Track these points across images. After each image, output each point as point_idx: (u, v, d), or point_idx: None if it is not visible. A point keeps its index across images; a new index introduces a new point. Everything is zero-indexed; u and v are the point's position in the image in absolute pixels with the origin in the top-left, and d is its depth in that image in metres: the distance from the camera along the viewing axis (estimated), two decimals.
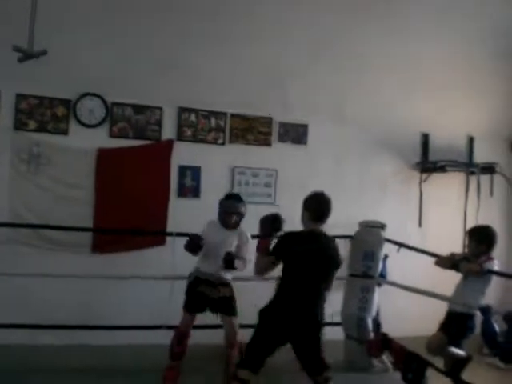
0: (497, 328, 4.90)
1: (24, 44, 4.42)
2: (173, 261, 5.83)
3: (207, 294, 5.01)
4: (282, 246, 4.17)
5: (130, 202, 6.15)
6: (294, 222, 6.20)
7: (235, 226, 5.14)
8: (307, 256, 4.09)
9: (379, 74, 6.71)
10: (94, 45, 5.88)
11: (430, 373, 5.10)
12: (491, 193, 7.29)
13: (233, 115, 6.65)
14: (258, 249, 4.27)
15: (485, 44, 6.77)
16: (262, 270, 4.21)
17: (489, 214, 6.63)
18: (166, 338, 5.08)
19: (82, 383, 5.07)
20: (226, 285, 5.10)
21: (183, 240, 5.23)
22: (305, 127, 6.90)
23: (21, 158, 6.00)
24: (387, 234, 6.06)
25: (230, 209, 5.11)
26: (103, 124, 6.23)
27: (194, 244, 4.90)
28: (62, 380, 5.05)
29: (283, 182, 6.78)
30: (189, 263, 5.19)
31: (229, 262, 4.81)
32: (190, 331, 5.07)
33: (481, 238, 5.03)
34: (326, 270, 4.21)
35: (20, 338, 5.56)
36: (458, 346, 4.99)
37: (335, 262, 4.28)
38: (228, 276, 5.08)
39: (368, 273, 5.94)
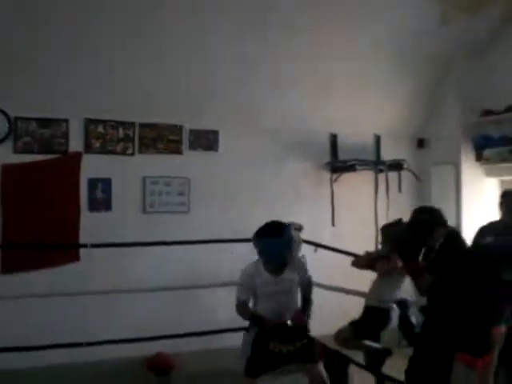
0: (414, 321, 5.39)
1: None
2: (88, 276, 6.06)
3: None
4: None
5: (38, 218, 6.20)
6: (205, 229, 6.57)
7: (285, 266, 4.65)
8: None
9: (286, 77, 7.02)
10: None
11: (352, 369, 5.47)
12: (400, 189, 7.81)
13: (141, 124, 6.79)
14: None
15: (390, 43, 7.18)
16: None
17: (399, 210, 7.05)
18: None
19: None
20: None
21: (99, 252, 5.44)
22: (215, 134, 7.15)
23: None
24: (302, 235, 6.33)
25: (293, 239, 4.70)
26: (6, 140, 6.25)
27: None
28: None
29: (196, 190, 6.98)
30: (104, 278, 5.40)
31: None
32: None
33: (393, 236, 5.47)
34: None
35: None
36: (375, 339, 5.42)
37: None
38: None
39: None
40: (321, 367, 4.65)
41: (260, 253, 4.58)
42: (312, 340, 4.67)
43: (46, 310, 6.00)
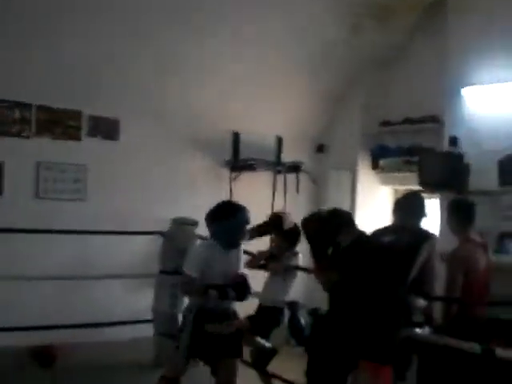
0: (303, 322, 5.59)
1: None
2: None
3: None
4: None
5: None
6: (102, 219, 6.54)
7: None
8: None
9: (192, 73, 7.07)
10: None
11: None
12: (297, 190, 8.01)
13: (39, 107, 6.62)
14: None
15: (299, 48, 7.34)
16: None
17: (295, 211, 7.24)
18: None
19: None
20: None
21: None
22: (116, 123, 7.07)
23: None
24: (199, 230, 6.38)
25: (249, 219, 4.67)
26: None
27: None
28: None
29: (94, 178, 6.89)
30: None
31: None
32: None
33: (285, 235, 5.66)
34: None
35: None
36: (266, 337, 5.59)
37: None
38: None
39: (179, 269, 6.30)
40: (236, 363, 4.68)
41: (214, 234, 4.60)
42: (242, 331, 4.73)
43: None
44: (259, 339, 5.44)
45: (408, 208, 4.35)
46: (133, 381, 5.81)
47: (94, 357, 6.26)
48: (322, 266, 4.31)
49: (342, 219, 4.30)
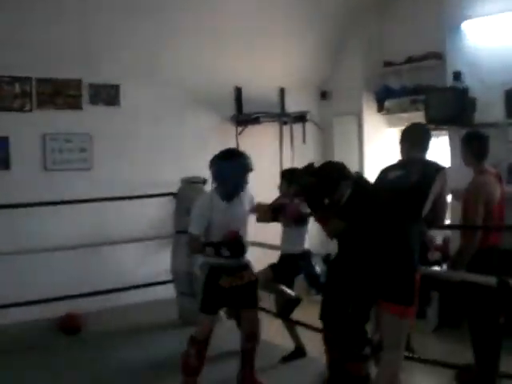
0: (318, 269, 5.65)
1: None
2: None
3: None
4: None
5: None
6: (111, 186, 6.57)
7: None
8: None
9: (188, 30, 7.01)
10: None
11: (263, 316, 5.47)
12: (304, 140, 8.03)
13: (38, 79, 6.60)
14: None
15: None
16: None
17: (303, 161, 7.19)
18: None
19: None
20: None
21: None
22: (116, 88, 7.05)
23: None
24: (207, 188, 6.51)
25: (249, 165, 4.50)
26: None
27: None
28: None
29: (99, 146, 6.91)
30: (6, 239, 5.36)
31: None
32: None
33: (292, 180, 5.63)
34: None
35: None
36: (290, 286, 5.65)
37: None
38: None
39: None
40: (257, 314, 4.72)
41: (217, 175, 4.47)
42: (256, 281, 4.68)
43: None
44: (283, 287, 5.51)
45: (414, 139, 4.24)
46: (159, 341, 5.92)
47: (118, 321, 6.39)
48: (323, 216, 4.31)
49: (337, 172, 4.30)
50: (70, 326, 6.32)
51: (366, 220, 3.96)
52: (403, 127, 4.49)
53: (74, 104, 6.86)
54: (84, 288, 6.23)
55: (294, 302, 5.57)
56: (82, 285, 6.27)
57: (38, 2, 6.09)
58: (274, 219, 5.21)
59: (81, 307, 6.32)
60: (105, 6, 6.43)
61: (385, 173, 4.14)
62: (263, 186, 7.19)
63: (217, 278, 4.42)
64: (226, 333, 5.54)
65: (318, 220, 4.41)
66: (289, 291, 5.54)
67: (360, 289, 3.97)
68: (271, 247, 5.88)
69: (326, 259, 5.11)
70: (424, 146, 4.23)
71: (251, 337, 4.63)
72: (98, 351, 5.66)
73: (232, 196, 4.48)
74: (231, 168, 4.40)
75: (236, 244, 4.34)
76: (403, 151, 4.30)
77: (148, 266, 6.96)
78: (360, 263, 3.91)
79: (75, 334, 6.26)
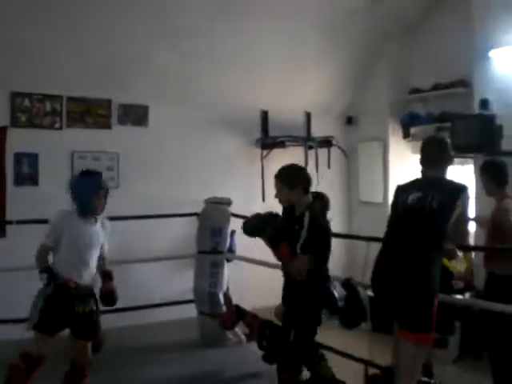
0: (336, 294, 5.58)
1: None
2: (15, 252, 6.00)
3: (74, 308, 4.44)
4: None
5: None
6: (137, 205, 6.60)
7: (102, 210, 4.56)
8: None
9: (215, 54, 7.07)
10: None
11: None
12: (329, 165, 8.02)
13: (69, 98, 6.76)
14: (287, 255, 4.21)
15: (322, 20, 7.30)
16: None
17: (328, 185, 7.21)
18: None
19: None
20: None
21: (25, 228, 5.41)
22: (145, 109, 7.18)
23: None
24: (233, 209, 6.49)
25: (103, 186, 4.51)
26: None
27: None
28: None
29: (126, 165, 7.02)
30: (31, 254, 5.37)
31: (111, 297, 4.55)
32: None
33: None
34: None
35: None
36: None
37: None
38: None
39: (217, 248, 6.39)
40: (88, 346, 4.66)
41: (71, 191, 4.47)
42: (97, 313, 4.66)
43: None
44: None
45: (430, 156, 4.10)
46: (180, 360, 5.89)
47: (140, 339, 6.38)
48: (286, 252, 4.24)
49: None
50: (92, 342, 6.31)
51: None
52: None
53: (103, 123, 6.98)
54: None
55: None
56: None
57: (71, 24, 6.20)
58: None
59: (102, 324, 6.31)
60: (136, 30, 6.53)
61: (403, 193, 4.04)
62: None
63: (70, 301, 4.38)
64: (245, 356, 5.51)
65: (282, 256, 4.32)
66: None
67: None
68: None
69: (346, 283, 5.05)
70: (440, 162, 4.07)
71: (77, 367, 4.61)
72: (118, 369, 5.65)
73: (84, 213, 4.43)
74: (81, 185, 4.42)
75: (109, 297, 4.58)
76: (423, 167, 4.20)
77: (171, 285, 6.98)
78: (376, 287, 3.88)
79: (97, 351, 6.24)
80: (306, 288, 4.21)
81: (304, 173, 4.53)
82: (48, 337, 4.35)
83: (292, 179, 4.40)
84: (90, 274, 4.51)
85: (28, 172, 6.57)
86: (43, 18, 6.06)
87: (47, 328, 4.33)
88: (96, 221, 4.53)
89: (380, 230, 4.24)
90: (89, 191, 4.39)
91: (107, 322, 6.20)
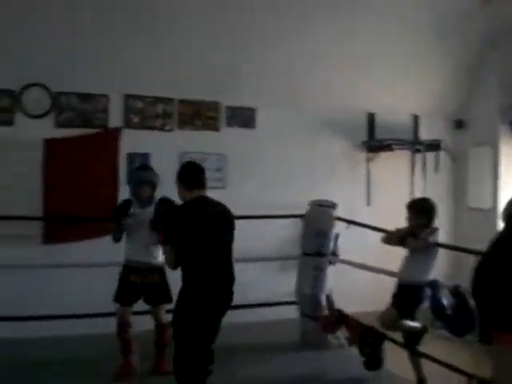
0: (445, 302, 5.40)
1: None
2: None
3: (138, 282, 5.15)
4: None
5: (79, 191, 6.38)
6: (242, 205, 6.67)
7: (150, 200, 5.19)
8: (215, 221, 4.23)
9: (324, 56, 7.07)
10: (37, 34, 6.05)
11: (387, 345, 5.46)
12: (437, 170, 7.79)
13: (180, 101, 6.95)
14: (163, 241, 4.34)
15: (431, 23, 7.16)
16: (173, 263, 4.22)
17: (435, 191, 7.02)
18: None
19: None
20: (155, 271, 5.18)
21: None
22: (252, 111, 7.25)
23: None
24: (337, 212, 6.45)
25: (142, 177, 5.21)
26: (49, 114, 6.47)
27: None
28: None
29: (233, 166, 7.12)
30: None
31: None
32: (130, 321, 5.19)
33: (420, 211, 5.46)
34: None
35: None
36: (411, 318, 5.45)
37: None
38: (157, 261, 5.14)
39: (320, 251, 6.36)
40: (164, 311, 5.22)
41: (130, 182, 5.37)
42: (165, 283, 5.21)
43: (83, 279, 6.25)
44: (409, 323, 5.30)
45: None
46: (279, 361, 5.90)
47: (239, 338, 6.40)
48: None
49: None
50: None
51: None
52: None
53: (212, 125, 7.13)
54: None
55: (420, 333, 5.37)
56: None
57: (180, 29, 6.39)
58: (400, 243, 5.10)
59: None
60: (246, 34, 6.63)
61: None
62: (391, 213, 7.12)
63: (129, 273, 5.17)
64: (346, 360, 5.45)
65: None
66: (414, 324, 5.34)
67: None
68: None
69: (455, 291, 4.89)
70: None
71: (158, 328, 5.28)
72: (218, 366, 5.71)
73: (136, 202, 5.16)
74: (131, 178, 5.36)
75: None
76: None
77: (273, 286, 7.00)
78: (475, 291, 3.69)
79: None
80: None
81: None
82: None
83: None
84: (150, 253, 5.12)
85: None
86: (147, 24, 6.30)
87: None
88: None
89: (488, 237, 4.07)
90: (134, 184, 5.23)
91: None
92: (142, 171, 5.37)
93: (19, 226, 6.14)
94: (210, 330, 4.22)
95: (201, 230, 4.10)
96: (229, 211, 4.40)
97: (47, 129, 6.45)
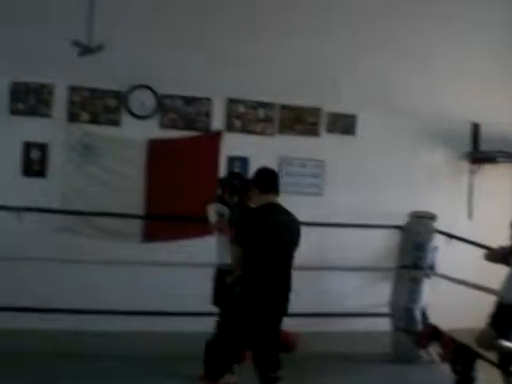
0: None
1: (81, 38, 4.86)
2: None
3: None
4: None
5: (180, 191, 6.56)
6: (339, 213, 6.63)
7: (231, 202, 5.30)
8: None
9: (428, 65, 6.97)
10: (144, 37, 6.28)
11: (480, 364, 5.27)
12: None
13: (282, 106, 6.97)
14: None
15: None
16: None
17: None
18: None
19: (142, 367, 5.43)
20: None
21: None
22: (354, 118, 7.18)
23: (74, 148, 6.45)
24: (437, 225, 6.30)
25: (224, 183, 5.45)
26: (154, 115, 6.66)
27: None
28: (131, 364, 5.48)
29: (331, 173, 7.08)
30: None
31: None
32: None
33: None
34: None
35: (66, 324, 6.03)
36: (507, 338, 5.26)
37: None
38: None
39: (418, 264, 6.21)
40: None
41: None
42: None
43: (179, 278, 6.30)
44: (502, 341, 5.12)
45: None
46: (368, 373, 5.83)
47: (330, 346, 6.39)
48: None
49: None
50: (285, 343, 6.42)
51: None
52: None
53: (312, 131, 7.11)
54: (298, 308, 6.31)
55: None
56: (297, 305, 6.34)
57: (284, 37, 6.46)
58: (502, 261, 5.01)
59: (295, 327, 6.42)
60: (349, 43, 6.59)
61: None
62: (494, 228, 6.89)
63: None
64: (437, 377, 5.30)
65: None
66: (507, 344, 5.13)
67: None
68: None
69: None
70: None
71: None
72: (307, 373, 5.71)
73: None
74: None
75: None
76: None
77: (365, 296, 6.93)
78: None
79: (288, 353, 6.35)
80: None
81: None
82: None
83: None
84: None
85: None
86: (260, 35, 6.44)
87: None
88: None
89: None
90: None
91: (300, 324, 6.34)
92: (227, 176, 5.62)
93: (121, 224, 6.35)
94: (260, 333, 4.29)
95: (264, 237, 4.21)
96: (296, 221, 4.45)
97: (151, 130, 6.65)
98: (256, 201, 4.43)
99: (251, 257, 4.23)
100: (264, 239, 4.20)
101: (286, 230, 4.32)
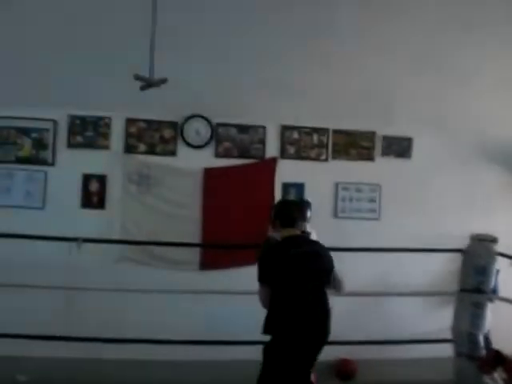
0: None
1: (142, 71, 4.92)
2: None
3: None
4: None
5: (236, 219, 6.62)
6: (396, 237, 6.54)
7: None
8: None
9: (482, 85, 6.80)
10: (198, 68, 6.33)
11: None
12: None
13: (335, 131, 6.99)
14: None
15: None
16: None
17: None
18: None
19: None
20: None
21: None
22: (409, 140, 7.13)
23: (131, 179, 6.61)
24: (498, 247, 6.17)
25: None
26: (209, 144, 6.76)
27: None
28: None
29: (387, 197, 7.03)
30: None
31: None
32: None
33: None
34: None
35: (132, 353, 6.11)
36: None
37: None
38: None
39: (480, 288, 6.08)
40: None
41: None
42: None
43: (235, 306, 6.25)
44: None
45: None
46: None
47: (390, 373, 6.29)
48: None
49: None
50: (345, 371, 6.38)
51: None
52: None
53: (367, 155, 7.09)
54: (359, 335, 6.25)
55: None
56: (356, 331, 6.29)
57: (334, 60, 6.40)
58: None
59: (354, 354, 6.34)
60: (384, 61, 6.51)
61: None
62: None
63: None
64: None
65: None
66: None
67: None
68: None
69: None
70: None
71: None
72: None
73: None
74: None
75: None
76: None
77: (426, 322, 6.78)
78: None
79: (348, 380, 6.30)
80: None
81: None
82: None
83: None
84: None
85: None
86: (312, 61, 6.38)
87: None
88: None
89: None
90: None
91: (360, 352, 6.26)
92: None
93: (180, 252, 6.42)
94: (298, 369, 4.25)
95: (285, 271, 4.18)
96: (323, 248, 4.43)
97: (207, 159, 6.76)
98: (280, 234, 4.41)
99: (276, 294, 4.19)
100: (285, 274, 4.18)
101: (308, 260, 4.28)
